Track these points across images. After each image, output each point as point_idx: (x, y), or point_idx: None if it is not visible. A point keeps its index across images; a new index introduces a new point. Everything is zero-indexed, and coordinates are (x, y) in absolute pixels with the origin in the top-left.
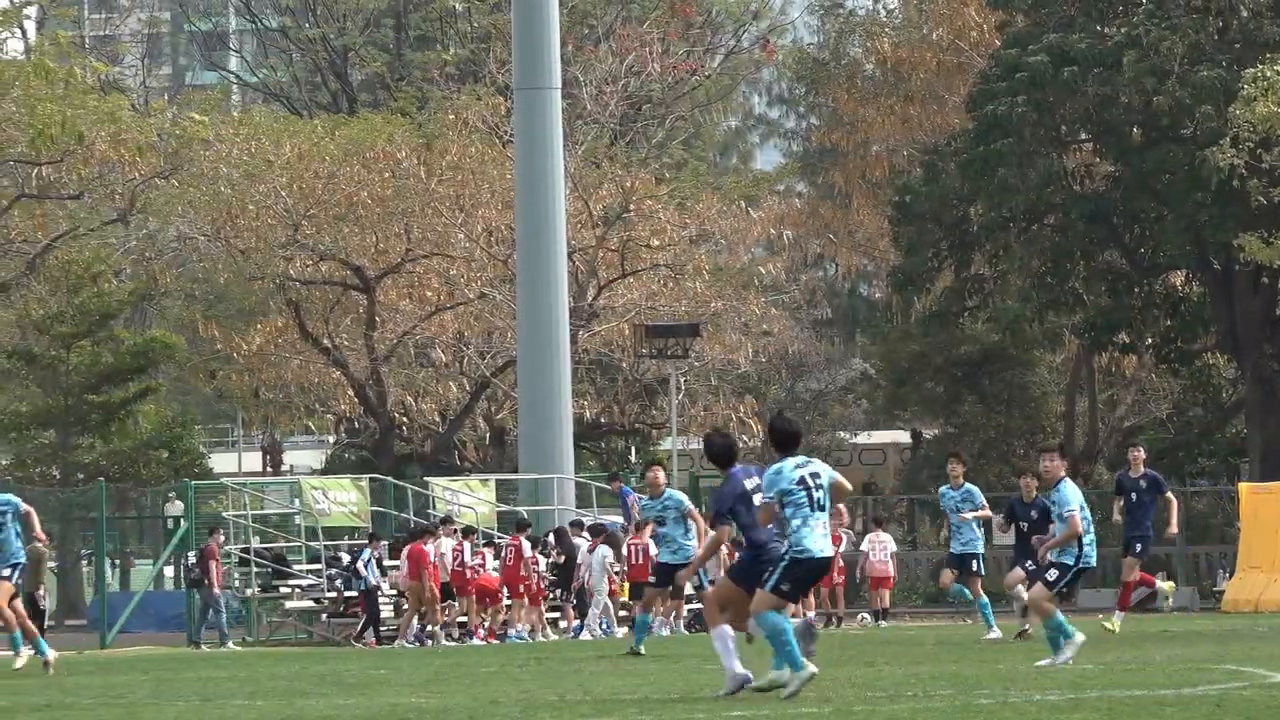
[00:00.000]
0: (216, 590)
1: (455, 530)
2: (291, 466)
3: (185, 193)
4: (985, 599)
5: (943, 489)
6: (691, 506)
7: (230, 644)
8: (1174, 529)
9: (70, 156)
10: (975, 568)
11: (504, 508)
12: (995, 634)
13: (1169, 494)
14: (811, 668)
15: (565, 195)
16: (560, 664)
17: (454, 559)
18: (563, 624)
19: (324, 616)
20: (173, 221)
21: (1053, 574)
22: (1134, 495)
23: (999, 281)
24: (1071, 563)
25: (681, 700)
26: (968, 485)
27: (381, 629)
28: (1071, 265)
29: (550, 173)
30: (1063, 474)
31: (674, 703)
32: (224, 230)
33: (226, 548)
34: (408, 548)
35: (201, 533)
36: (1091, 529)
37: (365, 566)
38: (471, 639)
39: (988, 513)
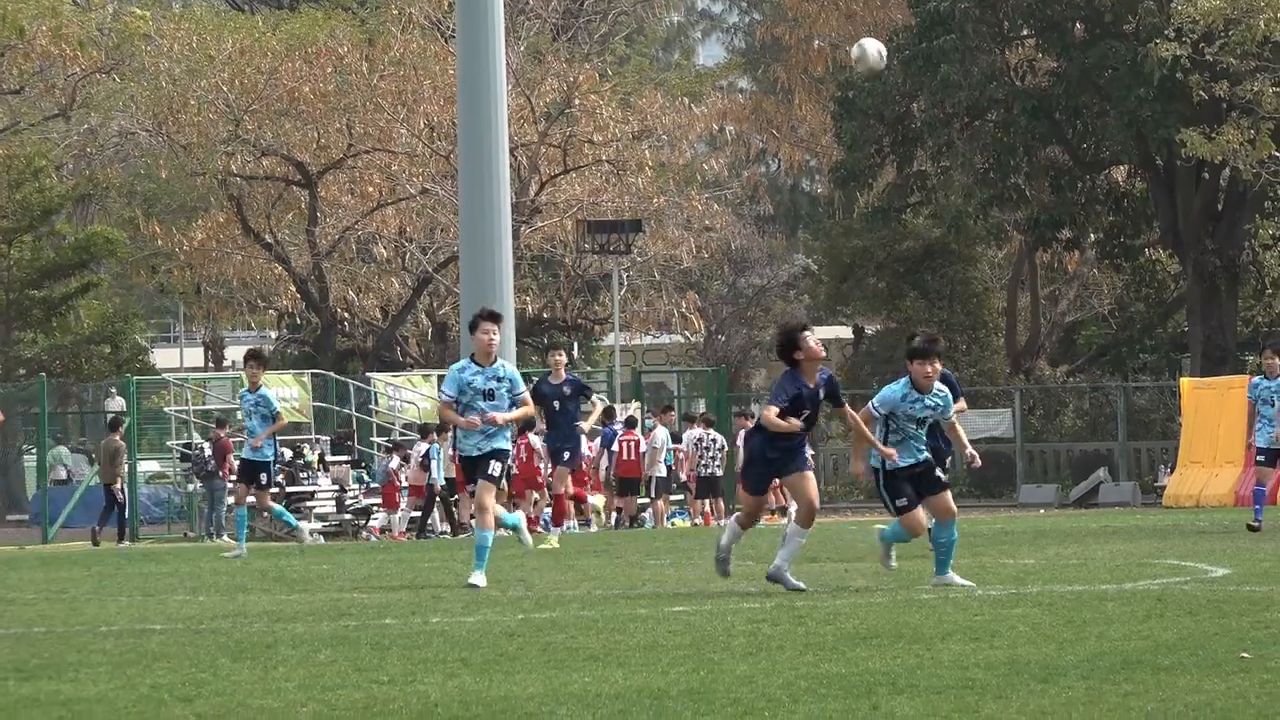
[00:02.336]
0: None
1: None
2: (233, 362)
3: (126, 88)
4: None
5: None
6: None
7: (226, 537)
8: None
9: (11, 51)
10: None
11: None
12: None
13: None
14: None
15: (507, 91)
16: (503, 560)
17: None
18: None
19: (265, 513)
20: (114, 117)
21: None
22: None
23: (942, 177)
24: None
25: (623, 595)
26: None
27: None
28: (1014, 161)
29: (492, 68)
30: None
31: (616, 598)
32: (165, 126)
33: (169, 444)
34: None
35: (145, 429)
36: None
37: (434, 462)
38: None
39: None
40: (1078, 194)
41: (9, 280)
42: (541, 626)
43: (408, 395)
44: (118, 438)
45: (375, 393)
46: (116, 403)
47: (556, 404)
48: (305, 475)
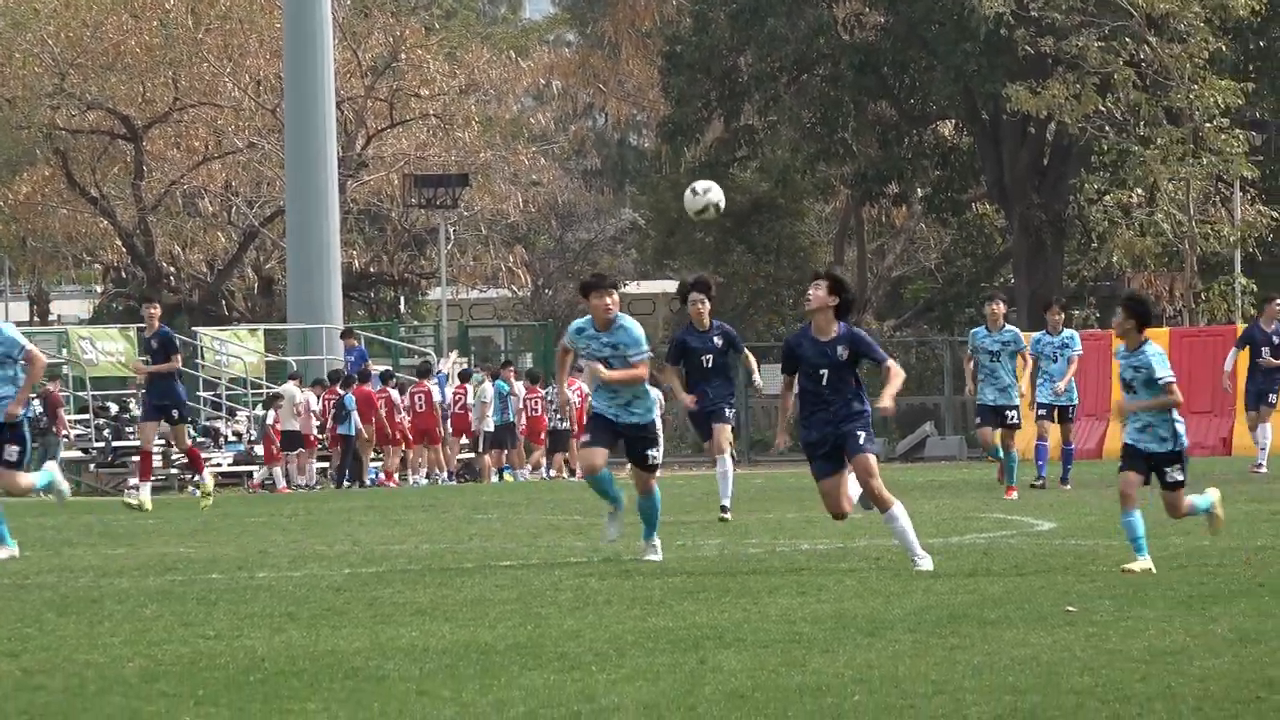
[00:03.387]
0: (61, 436)
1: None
2: (59, 316)
3: None
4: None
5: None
6: None
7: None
8: None
9: None
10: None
11: (272, 358)
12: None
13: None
14: None
15: (334, 44)
16: (329, 515)
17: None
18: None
19: (92, 466)
20: None
21: None
22: None
23: (769, 132)
24: None
25: (450, 550)
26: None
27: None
28: (841, 116)
29: (319, 21)
30: None
31: (443, 553)
32: None
33: None
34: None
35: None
36: None
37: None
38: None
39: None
40: (905, 149)
41: None
42: (368, 581)
43: (234, 350)
44: None
45: (201, 347)
46: None
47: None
48: (132, 430)
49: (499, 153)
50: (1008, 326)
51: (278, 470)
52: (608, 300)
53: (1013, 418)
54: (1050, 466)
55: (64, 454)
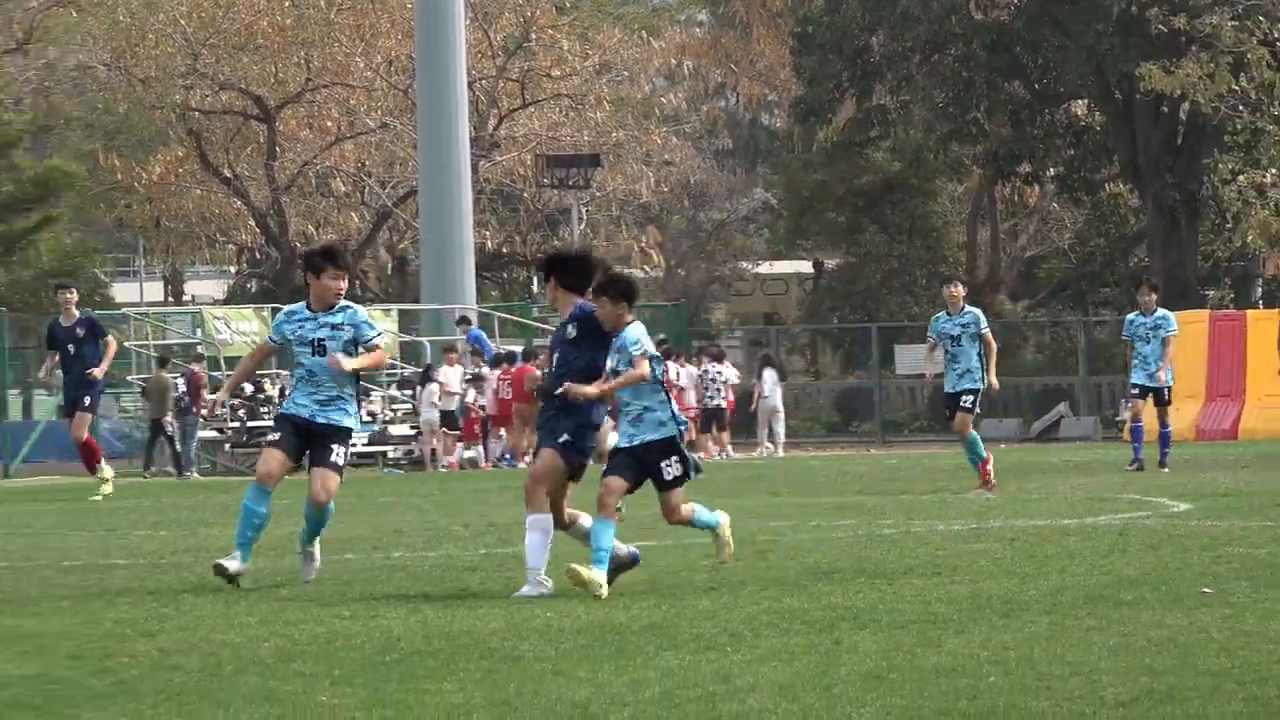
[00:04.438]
0: (199, 416)
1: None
2: (193, 296)
3: (83, 21)
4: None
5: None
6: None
7: (193, 473)
8: None
9: None
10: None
11: (406, 338)
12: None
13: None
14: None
15: (465, 24)
16: (464, 495)
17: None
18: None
19: (227, 446)
20: (72, 50)
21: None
22: None
23: (901, 112)
24: None
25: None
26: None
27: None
28: (974, 95)
29: (450, 1)
30: None
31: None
32: (123, 59)
33: (129, 378)
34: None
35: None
36: None
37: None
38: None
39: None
40: (1037, 128)
41: None
42: (503, 561)
43: None
44: (165, 374)
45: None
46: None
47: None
48: (266, 410)
49: (631, 133)
50: (967, 309)
51: (479, 448)
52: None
53: (967, 403)
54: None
55: (200, 434)
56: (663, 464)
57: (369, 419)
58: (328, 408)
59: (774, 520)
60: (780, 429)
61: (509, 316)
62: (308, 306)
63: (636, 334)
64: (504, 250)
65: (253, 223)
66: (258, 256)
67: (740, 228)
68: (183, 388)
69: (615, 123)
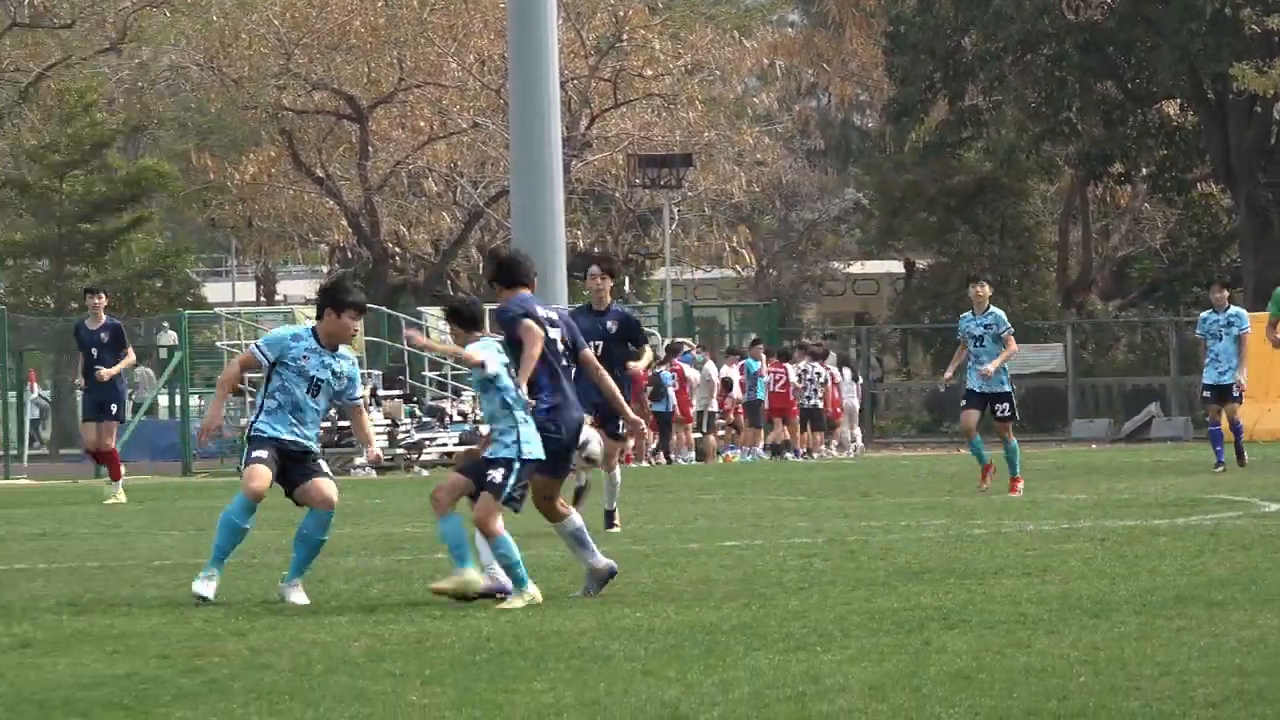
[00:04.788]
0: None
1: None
2: (285, 296)
3: (177, 21)
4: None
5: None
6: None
7: None
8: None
9: None
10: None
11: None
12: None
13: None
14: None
15: (558, 24)
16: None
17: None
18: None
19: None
20: (165, 51)
21: None
22: None
23: (994, 112)
24: None
25: (675, 530)
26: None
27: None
28: (1066, 95)
29: (542, 1)
30: None
31: (668, 533)
32: (217, 59)
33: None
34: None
35: (198, 363)
36: None
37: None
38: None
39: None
40: (1129, 128)
41: (61, 215)
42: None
43: None
44: None
45: (427, 327)
46: (169, 337)
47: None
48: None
49: (723, 133)
50: (992, 309)
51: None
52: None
53: (1003, 411)
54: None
55: None
56: (490, 470)
57: (459, 418)
58: (308, 436)
59: (864, 520)
60: (853, 430)
61: None
62: (315, 337)
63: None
64: (595, 250)
65: (345, 223)
66: (349, 256)
67: (832, 228)
68: None
69: (707, 122)
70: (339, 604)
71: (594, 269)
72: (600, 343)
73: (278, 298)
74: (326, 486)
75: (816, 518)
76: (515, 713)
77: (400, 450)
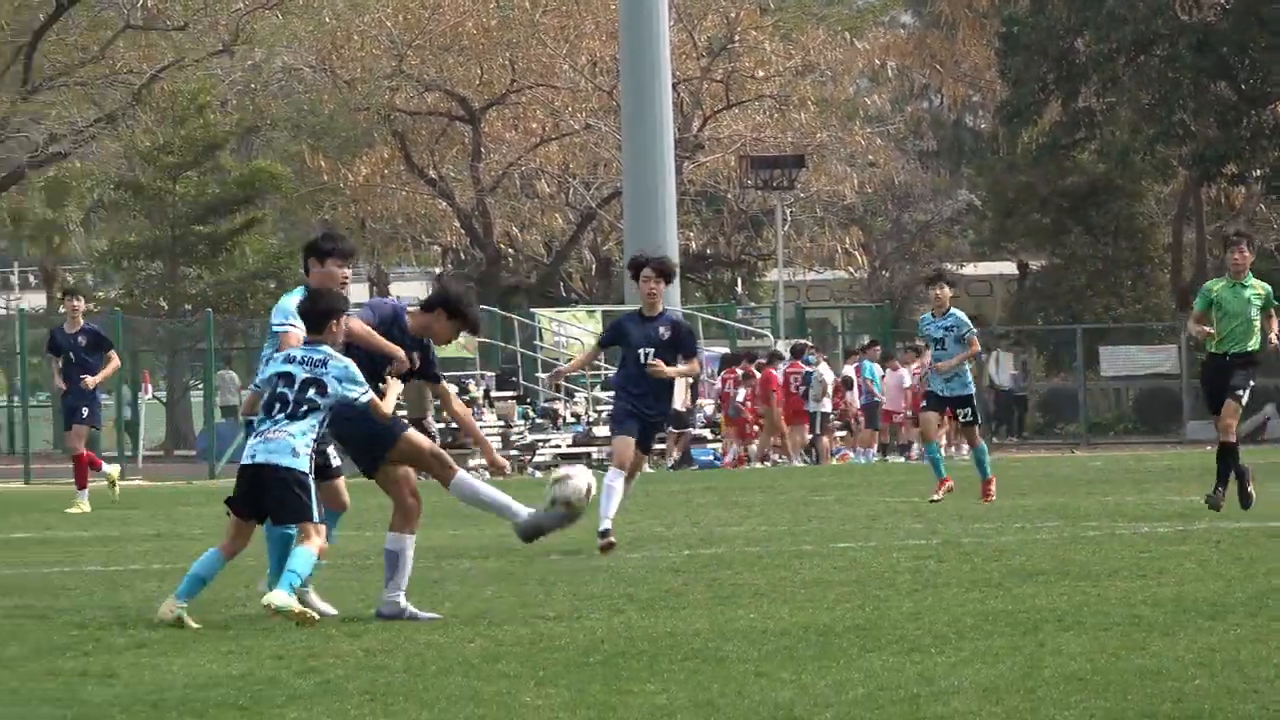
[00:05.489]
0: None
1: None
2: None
3: (289, 23)
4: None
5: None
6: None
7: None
8: None
9: None
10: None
11: None
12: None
13: None
14: None
15: (669, 26)
16: (667, 496)
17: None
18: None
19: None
20: (278, 52)
21: None
22: None
23: (1107, 113)
24: None
25: (789, 532)
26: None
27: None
28: (1180, 96)
29: (654, 3)
30: None
31: (782, 534)
32: (329, 60)
33: None
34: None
35: None
36: None
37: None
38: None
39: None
40: (1244, 129)
41: (174, 216)
42: (707, 563)
43: (572, 331)
44: None
45: (540, 328)
46: None
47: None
48: (470, 412)
49: (835, 134)
50: (952, 311)
51: (751, 448)
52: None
53: (966, 415)
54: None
55: None
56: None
57: (572, 420)
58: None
59: (978, 522)
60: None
61: (712, 318)
62: None
63: None
64: (708, 252)
65: (457, 224)
66: (462, 258)
67: (944, 229)
68: None
69: (819, 123)
70: (453, 605)
71: (648, 271)
72: (650, 350)
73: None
74: (338, 486)
75: (930, 519)
76: (629, 714)
77: (514, 451)
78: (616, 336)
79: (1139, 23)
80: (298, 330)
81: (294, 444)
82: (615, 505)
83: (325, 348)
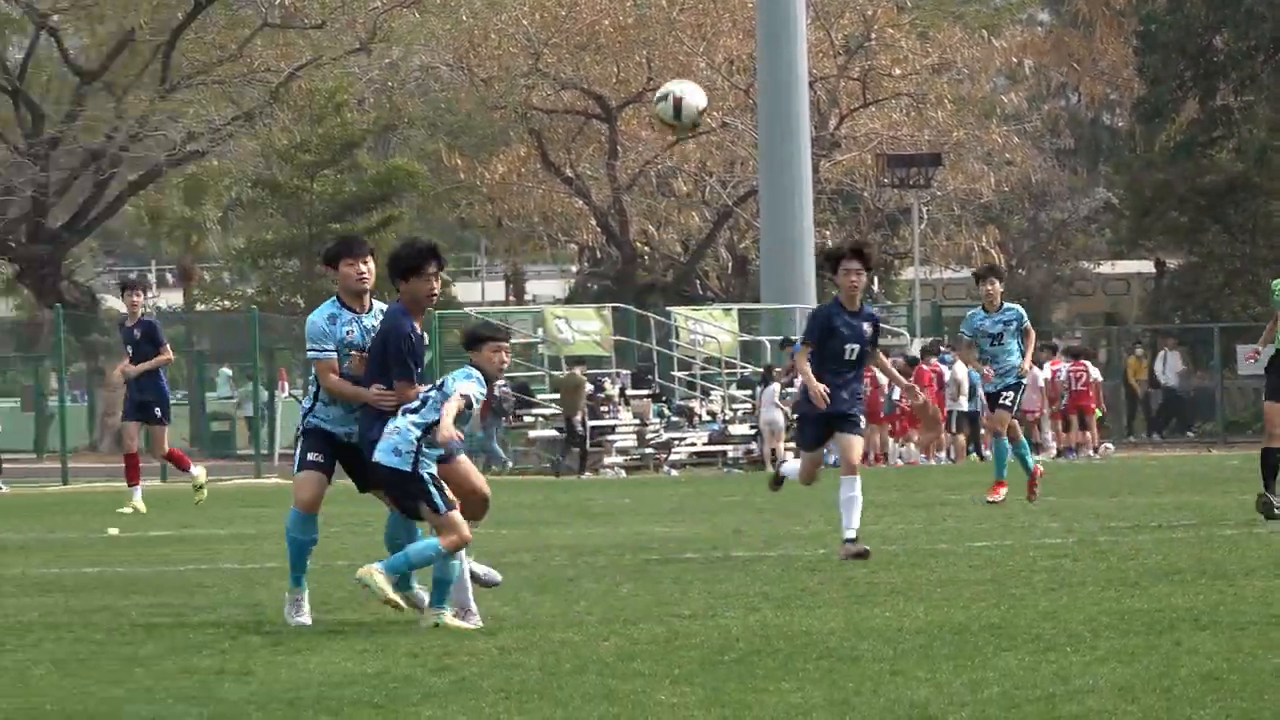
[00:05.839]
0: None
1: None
2: (534, 296)
3: (427, 21)
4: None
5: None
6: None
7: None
8: None
9: None
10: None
11: (746, 337)
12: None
13: None
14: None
15: (806, 24)
16: (802, 494)
17: None
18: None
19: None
20: (415, 50)
21: None
22: None
23: (1245, 111)
24: None
25: (924, 530)
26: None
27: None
28: None
29: (791, 1)
30: None
31: (917, 533)
32: (466, 59)
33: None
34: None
35: (448, 362)
36: None
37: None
38: None
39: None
40: None
41: (311, 214)
42: (843, 561)
43: (708, 329)
44: (579, 372)
45: (676, 326)
46: None
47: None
48: (606, 409)
49: (972, 132)
50: (1007, 305)
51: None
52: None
53: (1007, 400)
54: None
55: (539, 433)
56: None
57: (708, 418)
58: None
59: (1113, 521)
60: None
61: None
62: (341, 304)
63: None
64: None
65: (593, 222)
66: (599, 256)
67: (1081, 227)
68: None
69: (956, 122)
70: (588, 603)
71: (851, 263)
72: (856, 347)
73: (527, 297)
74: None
75: (1066, 518)
76: (764, 713)
77: (649, 450)
78: (825, 332)
79: (1278, 20)
80: (330, 357)
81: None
82: (855, 513)
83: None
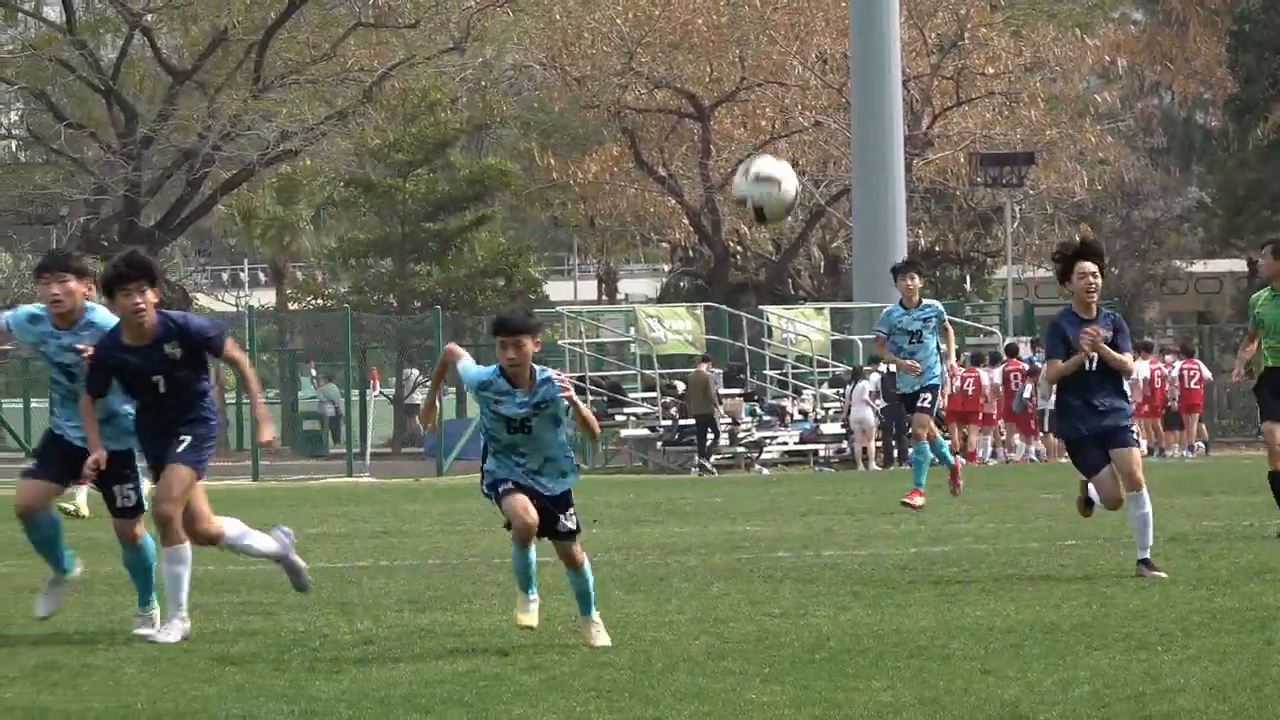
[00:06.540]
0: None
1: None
2: (627, 295)
3: (520, 21)
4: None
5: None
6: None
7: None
8: None
9: None
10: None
11: (838, 336)
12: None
13: None
14: None
15: (900, 23)
16: (894, 494)
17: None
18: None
19: (659, 444)
20: (508, 50)
21: None
22: None
23: None
24: None
25: (1015, 529)
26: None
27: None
28: None
29: (885, 0)
30: None
31: (1009, 532)
32: (559, 58)
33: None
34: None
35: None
36: None
37: None
38: None
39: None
40: None
41: (404, 213)
42: (934, 560)
43: (800, 328)
44: (706, 369)
45: (768, 325)
46: None
47: None
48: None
49: (1065, 131)
50: (925, 301)
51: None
52: None
53: (925, 402)
54: None
55: (631, 432)
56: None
57: (800, 417)
58: None
59: (1206, 520)
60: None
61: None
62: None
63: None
64: (936, 249)
65: (686, 221)
66: (691, 255)
67: (1174, 226)
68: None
69: (1049, 120)
70: (679, 602)
71: (1087, 265)
72: (1095, 356)
73: (619, 296)
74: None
75: (1158, 516)
76: (854, 711)
77: (741, 449)
78: (1060, 343)
79: None
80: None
81: None
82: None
83: None
